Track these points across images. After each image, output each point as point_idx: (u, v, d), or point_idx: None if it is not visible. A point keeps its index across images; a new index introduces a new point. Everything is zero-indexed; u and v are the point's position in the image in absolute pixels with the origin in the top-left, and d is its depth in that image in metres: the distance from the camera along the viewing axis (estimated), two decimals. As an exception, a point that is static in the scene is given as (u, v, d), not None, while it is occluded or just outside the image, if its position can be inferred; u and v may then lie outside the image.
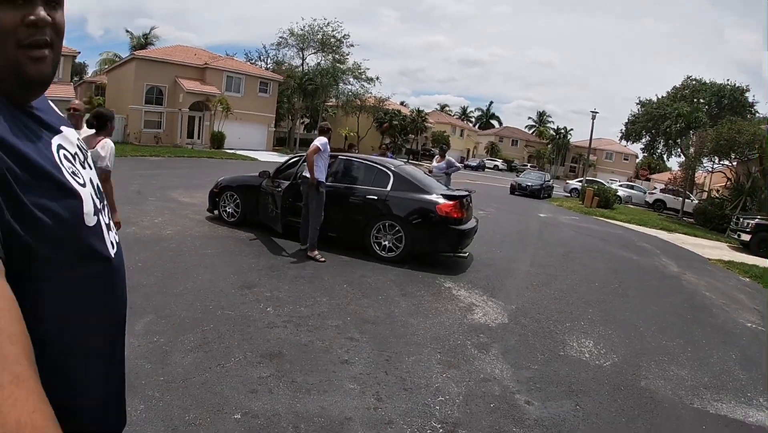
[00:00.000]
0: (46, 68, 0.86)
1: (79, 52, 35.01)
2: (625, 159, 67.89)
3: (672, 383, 4.25)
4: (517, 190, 26.14)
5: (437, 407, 3.28)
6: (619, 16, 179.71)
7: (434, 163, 11.48)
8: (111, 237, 0.97)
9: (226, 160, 24.60)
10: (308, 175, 6.73)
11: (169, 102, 32.09)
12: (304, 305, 4.95)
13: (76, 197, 0.85)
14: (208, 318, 4.38)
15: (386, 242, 7.10)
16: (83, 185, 0.89)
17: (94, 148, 4.09)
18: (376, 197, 7.21)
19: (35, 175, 0.78)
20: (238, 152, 29.93)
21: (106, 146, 4.14)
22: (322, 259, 6.70)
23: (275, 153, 32.94)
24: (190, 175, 16.08)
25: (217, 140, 31.40)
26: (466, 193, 7.74)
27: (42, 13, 0.83)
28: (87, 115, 4.58)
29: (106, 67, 41.96)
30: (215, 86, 32.82)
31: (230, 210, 8.56)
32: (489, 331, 4.88)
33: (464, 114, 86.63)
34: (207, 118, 32.28)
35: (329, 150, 6.94)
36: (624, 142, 35.98)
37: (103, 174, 3.88)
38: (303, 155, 8.38)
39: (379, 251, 7.11)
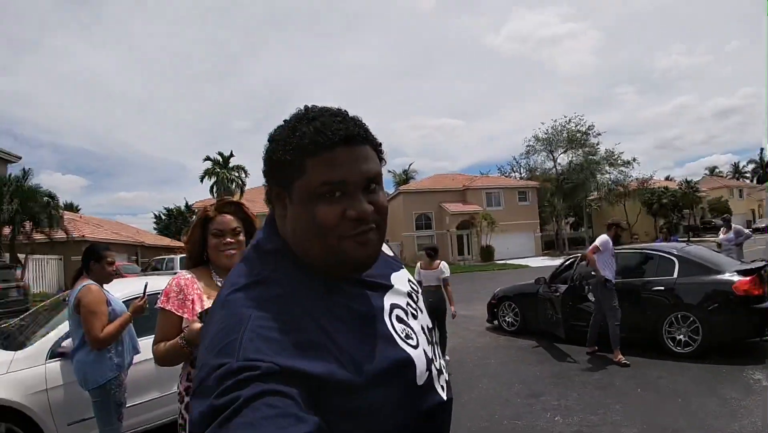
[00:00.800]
0: (373, 251, 0.81)
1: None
2: None
3: None
4: None
5: None
6: None
7: (721, 236, 9.94)
8: (442, 380, 0.91)
9: (497, 271, 25.22)
10: (594, 273, 6.52)
11: (437, 225, 35.39)
12: (595, 413, 4.57)
13: (408, 366, 0.81)
14: (495, 428, 4.40)
15: (680, 336, 6.17)
16: (416, 346, 0.85)
17: (437, 268, 6.63)
18: (663, 288, 6.47)
19: (363, 379, 0.73)
20: (508, 262, 30.53)
21: (444, 265, 6.72)
22: (626, 362, 6.10)
23: (545, 257, 32.52)
24: (466, 289, 16.88)
25: (487, 253, 32.67)
26: (763, 263, 6.39)
27: (364, 206, 0.78)
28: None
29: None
30: (476, 204, 35.03)
31: (509, 319, 8.68)
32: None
33: (737, 171, 73.67)
34: (474, 234, 34.19)
35: (611, 247, 6.48)
36: None
37: (446, 282, 6.60)
38: (577, 256, 8.17)
39: (673, 347, 6.20)
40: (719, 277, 6.14)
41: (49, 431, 3.47)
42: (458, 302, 12.87)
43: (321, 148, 0.76)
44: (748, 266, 6.39)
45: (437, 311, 6.36)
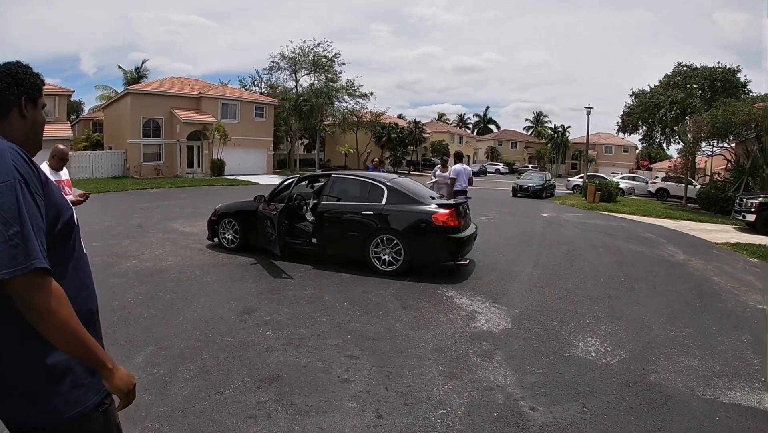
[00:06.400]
0: None
1: (74, 91, 35.55)
2: (624, 151, 67.95)
3: (682, 375, 4.13)
4: (519, 192, 26.01)
5: (439, 421, 3.22)
6: (609, 9, 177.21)
7: (438, 173, 11.16)
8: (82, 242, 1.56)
9: (227, 186, 24.69)
10: None
11: (167, 133, 32.32)
12: (304, 326, 4.91)
13: (70, 210, 1.45)
14: (208, 346, 4.36)
15: (385, 256, 7.05)
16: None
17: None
18: (371, 212, 7.19)
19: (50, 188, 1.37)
20: (239, 178, 30.09)
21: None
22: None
23: (276, 176, 33.00)
24: (191, 204, 16.13)
25: (217, 168, 31.54)
26: (462, 200, 7.71)
27: None
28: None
29: (103, 102, 42.10)
30: (211, 114, 33.06)
31: (229, 237, 8.57)
32: (492, 338, 4.81)
33: (462, 121, 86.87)
34: (205, 147, 32.47)
35: None
36: (621, 135, 35.77)
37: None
38: (296, 177, 8.41)
39: (378, 266, 7.06)
40: (422, 207, 7.09)
41: None
42: (180, 218, 12.42)
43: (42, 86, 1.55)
44: (448, 201, 7.57)
45: None
